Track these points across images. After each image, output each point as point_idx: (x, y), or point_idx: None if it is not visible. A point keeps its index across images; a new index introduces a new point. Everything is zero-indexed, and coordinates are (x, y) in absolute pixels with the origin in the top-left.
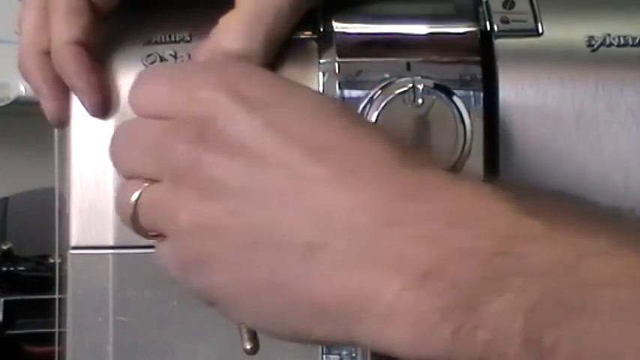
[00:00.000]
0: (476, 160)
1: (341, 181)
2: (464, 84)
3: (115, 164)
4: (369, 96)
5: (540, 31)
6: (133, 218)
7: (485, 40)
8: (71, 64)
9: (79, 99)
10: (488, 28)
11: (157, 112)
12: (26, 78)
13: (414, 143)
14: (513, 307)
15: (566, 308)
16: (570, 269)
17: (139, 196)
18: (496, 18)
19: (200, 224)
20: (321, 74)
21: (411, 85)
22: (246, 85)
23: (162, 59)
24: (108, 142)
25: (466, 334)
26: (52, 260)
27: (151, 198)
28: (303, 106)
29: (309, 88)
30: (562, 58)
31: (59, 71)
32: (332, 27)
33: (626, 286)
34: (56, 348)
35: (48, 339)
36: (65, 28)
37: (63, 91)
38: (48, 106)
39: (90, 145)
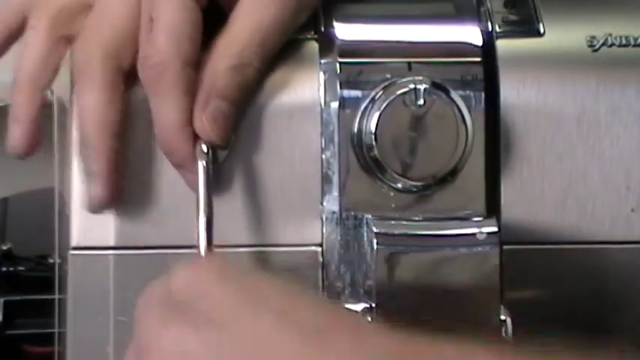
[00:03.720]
0: (477, 161)
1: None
2: (465, 84)
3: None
4: (371, 97)
5: (541, 31)
6: None
7: (486, 40)
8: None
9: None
10: (490, 28)
11: None
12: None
13: (415, 144)
14: None
15: None
16: None
17: None
18: (497, 18)
19: None
20: (322, 74)
21: (412, 85)
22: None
23: None
24: None
25: None
26: (52, 260)
27: None
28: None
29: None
30: (563, 58)
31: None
32: (333, 27)
33: None
34: (56, 348)
35: (48, 339)
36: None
37: None
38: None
39: None
